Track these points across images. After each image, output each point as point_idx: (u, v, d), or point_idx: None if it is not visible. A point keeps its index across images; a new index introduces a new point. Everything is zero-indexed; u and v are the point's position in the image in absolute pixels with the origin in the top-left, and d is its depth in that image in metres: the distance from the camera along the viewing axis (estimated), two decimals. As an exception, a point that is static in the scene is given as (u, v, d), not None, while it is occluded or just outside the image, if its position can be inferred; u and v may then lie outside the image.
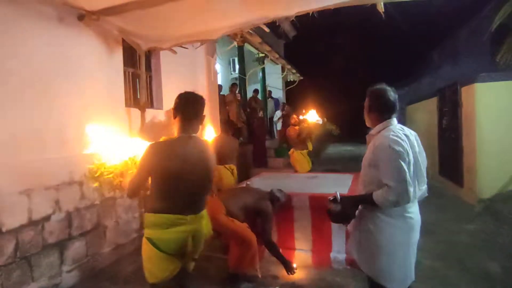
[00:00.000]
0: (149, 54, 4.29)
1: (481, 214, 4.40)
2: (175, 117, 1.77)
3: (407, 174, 1.58)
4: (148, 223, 1.71)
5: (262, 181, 4.06)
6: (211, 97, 5.96)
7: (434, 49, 13.59)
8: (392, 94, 1.78)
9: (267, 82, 10.73)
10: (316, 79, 16.97)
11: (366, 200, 1.71)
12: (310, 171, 5.41)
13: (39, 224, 2.73)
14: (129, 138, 2.25)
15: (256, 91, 9.46)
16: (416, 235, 1.75)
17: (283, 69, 11.90)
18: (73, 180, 3.04)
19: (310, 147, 5.60)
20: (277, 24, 3.12)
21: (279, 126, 10.71)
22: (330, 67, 20.03)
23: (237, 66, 9.37)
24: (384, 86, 1.82)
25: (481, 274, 2.86)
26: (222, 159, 4.25)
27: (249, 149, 7.40)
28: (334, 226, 3.12)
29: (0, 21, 2.51)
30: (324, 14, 2.76)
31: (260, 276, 2.81)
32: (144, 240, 1.71)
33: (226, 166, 4.23)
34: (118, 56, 3.74)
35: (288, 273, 2.85)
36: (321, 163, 9.34)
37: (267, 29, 3.11)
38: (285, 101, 12.40)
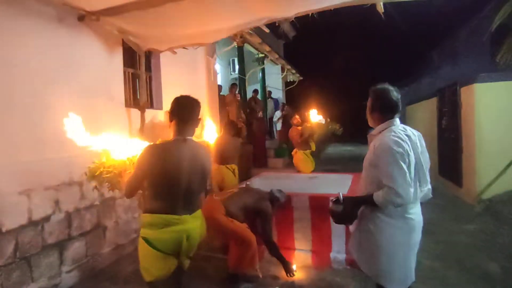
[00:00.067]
0: (149, 54, 4.29)
1: (481, 214, 4.40)
2: (171, 121, 1.82)
3: (407, 175, 1.58)
4: (144, 223, 1.74)
5: (262, 181, 4.06)
6: (211, 97, 5.96)
7: (434, 49, 13.59)
8: (394, 94, 1.77)
9: (267, 83, 10.73)
10: (316, 80, 16.98)
11: (367, 201, 1.71)
12: (313, 171, 5.40)
13: (38, 225, 2.73)
14: (129, 138, 2.26)
15: (255, 91, 9.47)
16: (417, 236, 1.74)
17: (282, 70, 11.90)
18: (73, 180, 3.05)
19: (313, 147, 5.59)
20: (277, 24, 3.12)
21: (279, 126, 10.71)
22: (330, 67, 20.06)
23: (236, 67, 9.37)
24: (386, 85, 1.80)
25: (481, 274, 2.87)
26: (223, 159, 4.27)
27: (249, 149, 7.39)
28: (334, 226, 3.12)
29: (0, 22, 2.51)
30: (324, 14, 2.77)
31: (260, 276, 2.81)
32: (140, 239, 1.74)
33: (228, 166, 4.26)
34: (118, 57, 3.74)
35: (287, 275, 2.86)
36: (321, 163, 9.34)
37: (267, 30, 3.11)
38: (284, 102, 12.40)
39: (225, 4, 2.71)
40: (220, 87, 7.34)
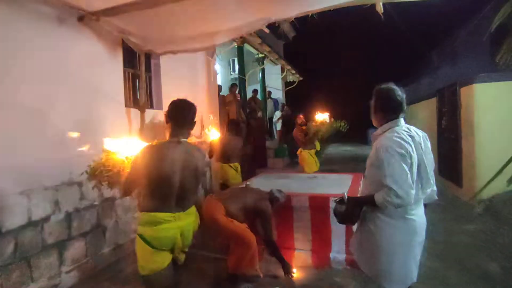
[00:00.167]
0: (149, 54, 4.29)
1: (481, 214, 4.40)
2: (167, 122, 1.92)
3: (408, 176, 1.58)
4: (140, 221, 1.83)
5: (261, 181, 4.06)
6: (211, 97, 5.96)
7: (433, 49, 13.59)
8: (399, 93, 1.75)
9: (266, 83, 10.73)
10: (316, 80, 16.99)
11: (369, 201, 1.71)
12: (318, 171, 5.39)
13: (38, 225, 2.73)
14: (128, 138, 2.28)
15: (255, 91, 9.47)
16: (419, 237, 1.73)
17: (282, 70, 11.90)
18: (73, 180, 3.04)
19: (318, 146, 5.58)
20: (277, 25, 3.13)
21: (278, 126, 10.72)
22: (329, 68, 20.06)
23: (236, 67, 9.37)
24: (391, 85, 1.78)
25: (481, 274, 2.87)
26: (226, 157, 4.36)
27: (248, 149, 7.40)
28: (334, 227, 3.12)
29: (0, 22, 2.51)
30: (324, 14, 2.77)
31: (260, 276, 2.81)
32: (137, 236, 1.83)
33: (231, 164, 4.36)
34: (118, 57, 3.74)
35: (285, 275, 2.87)
36: (321, 163, 9.33)
37: (266, 30, 3.11)
38: (284, 102, 12.41)
39: (225, 4, 2.71)
40: (220, 87, 7.34)
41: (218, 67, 8.40)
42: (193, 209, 1.95)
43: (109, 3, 2.87)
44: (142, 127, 3.76)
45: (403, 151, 1.60)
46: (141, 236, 1.79)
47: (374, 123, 1.86)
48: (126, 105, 3.84)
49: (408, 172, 1.58)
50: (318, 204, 3.19)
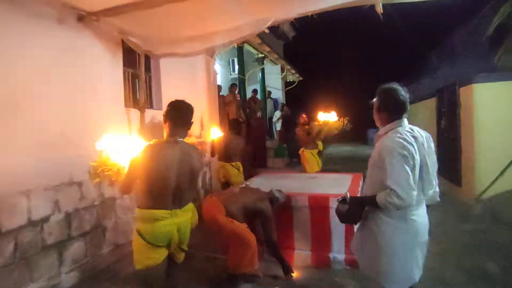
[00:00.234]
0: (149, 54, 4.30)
1: (480, 214, 4.41)
2: (165, 123, 1.99)
3: (410, 177, 1.57)
4: (138, 218, 1.90)
5: (261, 181, 4.06)
6: (211, 97, 5.96)
7: (433, 49, 13.60)
8: (402, 93, 1.73)
9: (266, 83, 10.74)
10: (315, 80, 16.98)
11: (371, 201, 1.70)
12: (320, 171, 5.38)
13: (38, 225, 2.73)
14: (128, 138, 2.29)
15: (255, 91, 9.47)
16: (420, 238, 1.72)
17: (282, 70, 11.91)
18: (73, 180, 3.05)
19: (321, 146, 5.57)
20: (276, 24, 3.12)
21: (278, 126, 10.72)
22: (329, 68, 20.06)
23: (236, 67, 9.38)
24: (394, 85, 1.77)
25: (480, 274, 2.87)
26: (228, 156, 4.41)
27: (248, 149, 7.40)
28: (334, 227, 3.13)
29: (0, 22, 2.51)
30: (323, 15, 2.77)
31: (260, 276, 2.82)
32: (134, 232, 1.90)
33: (233, 163, 4.40)
34: (118, 57, 3.74)
35: (285, 276, 2.88)
36: (322, 163, 9.34)
37: (266, 30, 3.12)
38: (284, 102, 12.41)
39: (225, 5, 2.71)
40: (219, 87, 7.34)
41: (218, 67, 8.40)
42: (190, 205, 2.01)
43: (109, 4, 2.87)
44: (142, 127, 3.76)
45: (405, 152, 1.59)
46: (138, 232, 1.86)
47: (377, 123, 1.84)
48: (126, 105, 3.84)
49: (410, 173, 1.57)
50: (318, 204, 3.19)
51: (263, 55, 9.27)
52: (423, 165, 1.67)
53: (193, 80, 5.42)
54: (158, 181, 1.84)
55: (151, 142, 1.94)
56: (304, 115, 5.65)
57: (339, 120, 5.55)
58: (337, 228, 3.11)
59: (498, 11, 5.74)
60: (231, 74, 10.95)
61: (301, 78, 12.90)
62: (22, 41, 2.66)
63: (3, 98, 2.51)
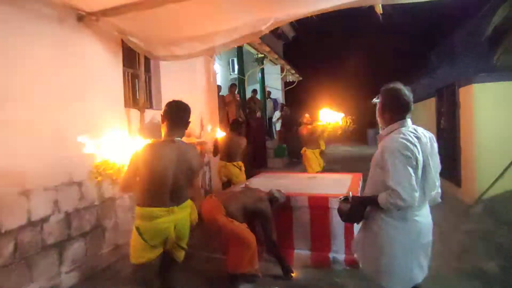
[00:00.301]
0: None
1: (479, 214, 4.41)
2: (163, 122, 2.04)
3: (413, 178, 1.56)
4: (137, 215, 1.98)
5: (261, 181, 4.07)
6: (210, 97, 5.96)
7: (432, 49, 13.61)
8: (406, 93, 1.72)
9: (266, 83, 10.74)
10: (315, 80, 16.98)
11: (373, 201, 1.70)
12: (322, 171, 5.37)
13: (38, 225, 2.73)
14: (128, 138, 2.30)
15: (254, 91, 9.48)
16: (424, 239, 1.71)
17: (282, 70, 11.91)
18: (72, 180, 3.05)
19: (323, 146, 5.58)
20: (277, 26, 3.12)
21: (278, 126, 10.72)
22: (329, 68, 20.05)
23: (236, 67, 9.38)
24: (398, 85, 1.75)
25: (479, 274, 2.88)
26: (229, 156, 4.44)
27: (248, 149, 7.41)
28: (333, 227, 3.14)
29: (0, 23, 2.51)
30: (323, 15, 2.76)
31: (260, 276, 2.82)
32: (134, 227, 1.97)
33: (234, 163, 4.45)
34: (118, 57, 3.74)
35: (285, 276, 2.88)
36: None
37: (267, 31, 3.13)
38: (284, 102, 12.42)
39: (225, 5, 2.72)
40: (219, 87, 7.35)
41: (217, 67, 8.41)
42: (188, 203, 2.06)
43: (109, 4, 2.87)
44: (142, 127, 3.76)
45: (408, 153, 1.58)
46: (137, 229, 1.93)
47: (381, 124, 1.83)
48: (126, 105, 3.84)
49: (413, 174, 1.56)
50: (317, 204, 3.20)
51: (262, 55, 9.28)
52: (426, 166, 1.65)
53: (193, 80, 5.42)
54: (155, 179, 1.90)
55: (150, 142, 2.00)
56: (307, 115, 5.66)
57: (343, 120, 5.55)
58: (337, 228, 3.11)
59: (497, 12, 5.74)
60: (230, 74, 10.96)
61: (300, 78, 12.91)
62: (21, 41, 2.66)
63: (3, 98, 2.51)
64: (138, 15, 2.86)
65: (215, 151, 4.58)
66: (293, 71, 12.08)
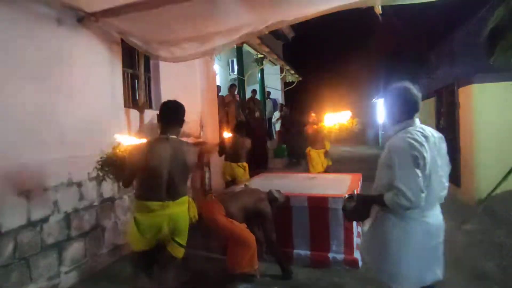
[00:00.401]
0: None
1: (479, 214, 4.42)
2: (159, 121, 2.14)
3: (419, 179, 1.53)
4: (135, 207, 2.12)
5: (261, 182, 4.07)
6: (210, 98, 5.96)
7: (431, 50, 13.63)
8: (414, 92, 1.69)
9: (265, 83, 10.74)
10: (315, 80, 17.00)
11: (378, 200, 1.67)
12: (325, 171, 5.36)
13: (37, 225, 2.73)
14: (128, 138, 2.33)
15: (254, 91, 9.48)
16: (432, 240, 1.69)
17: (281, 70, 11.92)
18: (72, 181, 3.04)
19: (328, 146, 5.57)
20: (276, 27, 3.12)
21: (277, 126, 10.72)
22: (328, 68, 20.06)
23: (235, 67, 9.38)
24: (405, 84, 1.73)
25: (479, 274, 2.88)
26: (234, 157, 4.52)
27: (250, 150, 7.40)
28: (333, 227, 3.14)
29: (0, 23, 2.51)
30: (323, 15, 2.77)
31: (259, 276, 2.82)
32: (132, 218, 2.10)
33: (239, 163, 4.54)
34: (117, 57, 3.74)
35: (285, 276, 2.89)
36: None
37: (266, 31, 3.14)
38: (283, 102, 12.42)
39: (225, 6, 2.72)
40: (219, 87, 7.35)
41: (217, 67, 8.40)
42: (185, 199, 2.13)
43: (109, 4, 2.87)
44: (141, 127, 3.76)
45: (415, 153, 1.55)
46: (134, 218, 2.06)
47: (388, 123, 1.82)
48: (125, 106, 3.84)
49: (420, 174, 1.53)
50: (317, 204, 3.20)
51: (262, 55, 9.28)
52: (434, 166, 1.62)
53: (192, 80, 5.42)
54: (151, 174, 2.00)
55: (146, 140, 2.13)
56: (313, 114, 5.65)
57: (349, 121, 5.51)
58: (336, 228, 3.12)
59: (495, 12, 5.75)
60: (230, 75, 10.95)
61: (300, 79, 12.91)
62: (21, 41, 2.66)
63: (2, 98, 2.51)
64: (138, 15, 2.87)
65: (221, 152, 4.65)
66: (292, 72, 12.09)
